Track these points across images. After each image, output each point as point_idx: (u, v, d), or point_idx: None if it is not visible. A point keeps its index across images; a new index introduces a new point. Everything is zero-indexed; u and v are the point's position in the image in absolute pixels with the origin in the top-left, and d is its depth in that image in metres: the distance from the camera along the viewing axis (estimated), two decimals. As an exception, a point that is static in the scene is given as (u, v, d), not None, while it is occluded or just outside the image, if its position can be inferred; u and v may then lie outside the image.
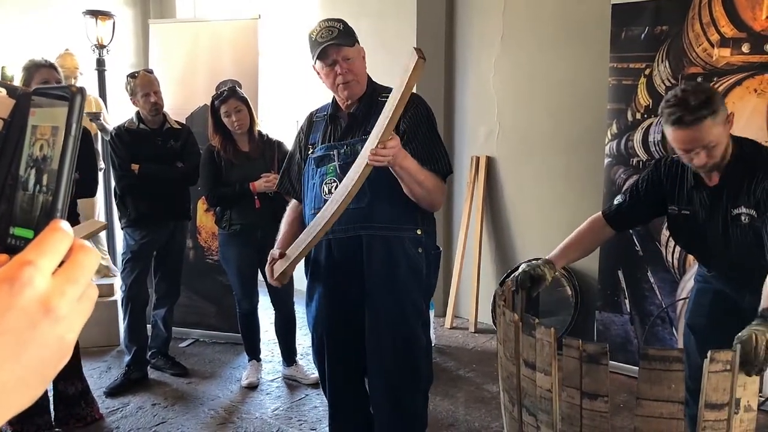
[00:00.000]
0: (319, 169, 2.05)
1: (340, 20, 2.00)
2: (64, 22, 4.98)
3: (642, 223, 2.76)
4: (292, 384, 3.41)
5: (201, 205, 4.01)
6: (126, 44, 5.63)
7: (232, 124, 3.14)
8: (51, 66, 2.70)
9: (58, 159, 0.45)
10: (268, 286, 3.37)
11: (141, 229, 3.32)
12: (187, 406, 3.14)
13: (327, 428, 2.49)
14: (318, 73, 2.03)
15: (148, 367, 3.49)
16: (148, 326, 3.56)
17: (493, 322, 3.97)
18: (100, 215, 4.50)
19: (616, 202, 2.16)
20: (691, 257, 3.18)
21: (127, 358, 3.41)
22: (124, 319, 3.43)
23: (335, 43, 1.92)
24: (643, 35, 3.29)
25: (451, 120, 4.41)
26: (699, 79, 3.14)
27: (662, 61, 3.24)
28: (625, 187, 3.17)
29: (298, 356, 3.56)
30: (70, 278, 0.42)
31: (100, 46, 4.75)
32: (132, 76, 3.30)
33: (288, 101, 5.20)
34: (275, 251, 2.09)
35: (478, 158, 4.30)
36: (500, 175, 4.24)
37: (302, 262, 2.15)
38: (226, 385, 3.40)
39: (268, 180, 3.08)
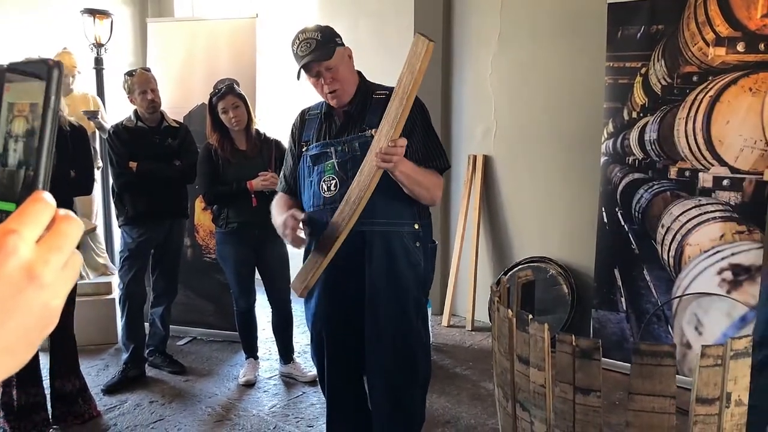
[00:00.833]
0: (316, 167, 2.05)
1: (317, 29, 1.98)
2: (62, 20, 4.99)
3: None
4: (289, 381, 3.42)
5: (199, 204, 4.02)
6: (124, 43, 5.63)
7: (229, 121, 3.14)
8: None
9: (38, 134, 0.45)
10: (266, 284, 3.41)
11: (138, 227, 3.32)
12: (185, 404, 3.15)
13: (324, 426, 2.50)
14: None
15: (146, 365, 3.50)
16: (146, 324, 3.57)
17: (490, 319, 3.98)
18: (98, 213, 4.51)
19: None
20: (687, 255, 3.20)
21: (124, 356, 3.42)
22: (121, 317, 3.44)
23: (312, 60, 1.93)
24: (639, 34, 3.31)
25: (449, 118, 4.42)
26: (694, 79, 3.16)
27: (658, 60, 3.26)
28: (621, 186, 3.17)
29: (296, 354, 3.58)
30: (53, 246, 0.43)
31: (98, 45, 4.76)
32: (129, 74, 3.31)
33: (286, 100, 5.21)
34: (297, 213, 1.98)
35: (475, 157, 4.31)
36: (497, 173, 4.25)
37: (300, 253, 2.16)
38: (223, 383, 3.41)
39: (266, 178, 3.09)
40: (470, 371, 3.55)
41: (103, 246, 4.46)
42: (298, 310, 3.86)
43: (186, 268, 3.91)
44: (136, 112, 3.34)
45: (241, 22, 4.18)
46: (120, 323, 3.48)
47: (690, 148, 3.18)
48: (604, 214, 3.51)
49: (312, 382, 3.34)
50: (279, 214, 2.08)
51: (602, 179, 3.51)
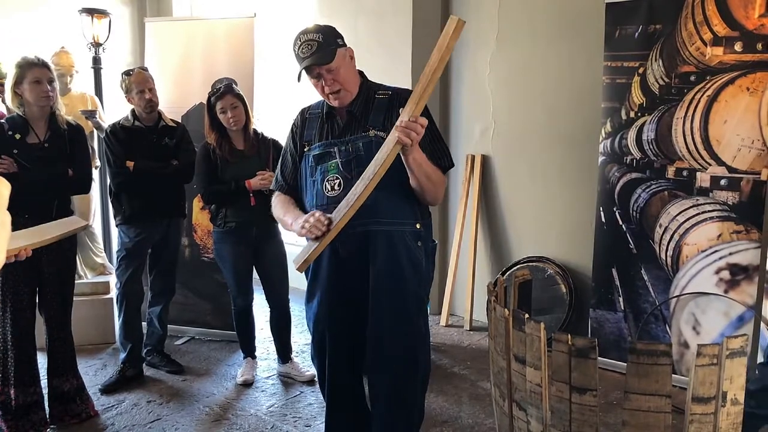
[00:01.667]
0: (319, 167, 2.05)
1: (318, 30, 1.97)
2: (60, 19, 4.99)
3: None
4: (288, 381, 3.42)
5: (197, 203, 4.02)
6: (122, 42, 5.63)
7: (227, 121, 3.14)
8: (44, 65, 2.70)
9: None
10: (263, 283, 3.40)
11: (135, 227, 3.32)
12: (183, 403, 3.15)
13: (322, 425, 2.50)
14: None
15: (144, 365, 3.50)
16: (144, 324, 3.57)
17: (487, 319, 3.98)
18: (96, 213, 4.50)
19: None
20: (684, 255, 3.20)
21: (122, 356, 3.41)
22: (119, 316, 3.43)
23: (313, 63, 1.93)
24: (636, 34, 3.31)
25: (447, 118, 4.43)
26: (692, 78, 3.17)
27: (656, 60, 3.26)
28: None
29: (294, 353, 3.58)
30: None
31: (96, 44, 4.76)
32: (127, 73, 3.31)
33: (284, 100, 5.21)
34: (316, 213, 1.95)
35: (473, 156, 4.31)
36: (495, 173, 4.26)
37: (298, 250, 2.16)
38: (221, 383, 3.41)
39: (264, 178, 3.09)
40: (468, 371, 3.55)
41: (101, 245, 4.45)
42: (297, 309, 3.87)
43: (184, 268, 3.91)
44: (133, 111, 3.34)
45: (240, 22, 4.18)
46: (117, 323, 3.48)
47: (688, 148, 3.19)
48: (602, 213, 3.51)
49: (310, 382, 3.34)
50: (288, 214, 2.10)
51: (600, 179, 3.51)
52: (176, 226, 3.50)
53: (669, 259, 3.28)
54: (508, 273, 3.92)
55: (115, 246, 3.80)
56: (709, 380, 1.41)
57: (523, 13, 3.99)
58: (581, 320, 3.73)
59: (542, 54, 3.93)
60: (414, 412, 2.16)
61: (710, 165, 3.13)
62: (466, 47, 4.30)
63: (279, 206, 2.19)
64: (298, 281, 2.48)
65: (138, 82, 3.25)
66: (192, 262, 4.10)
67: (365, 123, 2.02)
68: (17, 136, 2.69)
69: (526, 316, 1.61)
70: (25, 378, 2.73)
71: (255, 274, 3.41)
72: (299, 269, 1.99)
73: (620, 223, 3.45)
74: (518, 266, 4.00)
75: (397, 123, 1.82)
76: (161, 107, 3.46)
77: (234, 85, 3.21)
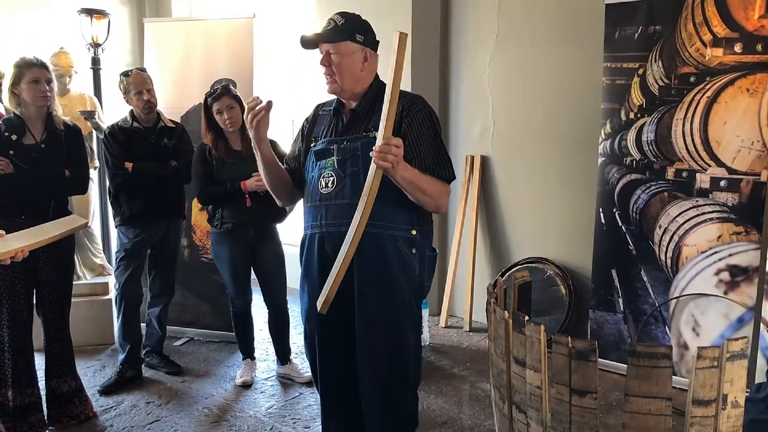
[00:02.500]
0: (318, 163, 2.06)
1: (345, 16, 2.00)
2: (59, 20, 4.98)
3: None
4: (287, 382, 3.42)
5: (196, 204, 4.01)
6: (121, 43, 5.63)
7: (224, 122, 3.14)
8: (42, 65, 2.69)
9: None
10: (261, 284, 3.40)
11: (134, 228, 3.32)
12: (182, 405, 3.14)
13: (320, 426, 2.49)
14: None
15: (143, 366, 3.49)
16: (143, 325, 3.56)
17: (487, 320, 3.98)
18: (95, 214, 4.49)
19: None
20: (684, 256, 3.20)
21: (121, 357, 3.41)
22: (118, 317, 3.42)
23: (316, 36, 1.97)
24: (636, 35, 3.31)
25: (446, 119, 4.42)
26: (692, 79, 3.16)
27: (655, 61, 3.26)
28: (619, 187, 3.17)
29: (293, 355, 3.57)
30: None
31: (95, 45, 4.75)
32: (125, 74, 3.30)
33: (283, 101, 5.20)
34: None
35: (472, 157, 4.31)
36: (495, 173, 4.25)
37: (296, 254, 2.17)
38: (220, 384, 3.40)
39: (260, 179, 3.07)
40: (468, 372, 3.54)
41: (100, 246, 4.45)
42: (295, 310, 3.86)
43: (183, 269, 3.90)
44: (132, 112, 3.34)
45: (239, 22, 4.17)
46: (116, 324, 3.47)
47: (687, 149, 3.18)
48: (601, 214, 3.51)
49: (309, 383, 3.33)
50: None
51: (600, 180, 3.51)
52: (175, 227, 3.50)
53: (669, 261, 3.28)
54: (507, 274, 3.91)
55: (114, 247, 3.80)
56: (710, 383, 1.40)
57: (523, 13, 3.99)
58: (581, 321, 3.72)
59: (542, 55, 3.92)
60: (405, 419, 2.13)
61: (710, 166, 3.13)
62: (465, 48, 4.30)
63: None
64: (296, 282, 2.47)
65: (136, 83, 3.25)
66: (191, 262, 4.09)
67: (367, 123, 2.02)
68: (14, 137, 2.68)
69: (526, 318, 1.61)
70: (22, 379, 2.72)
71: (253, 276, 3.40)
72: (321, 311, 1.93)
73: (620, 224, 3.45)
74: (518, 267, 3.99)
75: (374, 148, 1.81)
76: (160, 108, 3.46)
77: (231, 87, 3.21)
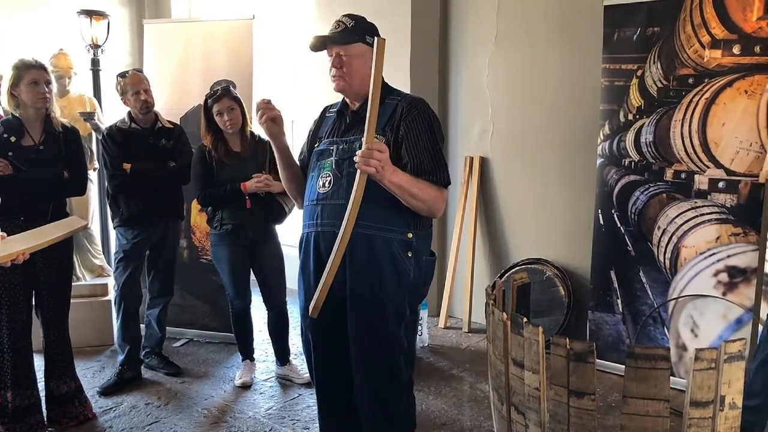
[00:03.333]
0: (318, 163, 2.08)
1: (354, 18, 2.02)
2: (58, 21, 4.98)
3: None
4: (286, 383, 3.42)
5: (195, 205, 4.01)
6: (120, 44, 5.63)
7: (224, 124, 3.14)
8: (41, 67, 2.70)
9: None
10: (261, 285, 3.40)
11: (133, 229, 3.32)
12: (181, 406, 3.14)
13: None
14: None
15: (142, 367, 3.49)
16: (142, 326, 3.56)
17: (486, 321, 3.98)
18: (95, 215, 4.50)
19: None
20: (682, 257, 3.21)
21: (120, 358, 3.41)
22: (117, 318, 3.43)
23: (325, 38, 1.98)
24: (635, 36, 3.31)
25: (445, 120, 4.43)
26: (690, 81, 3.17)
27: (654, 63, 3.26)
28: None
29: (292, 356, 3.57)
30: None
31: (95, 46, 4.75)
32: (122, 75, 3.31)
33: (282, 102, 5.20)
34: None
35: (471, 158, 4.32)
36: (494, 174, 4.26)
37: (296, 255, 2.17)
38: (219, 385, 3.40)
39: (260, 180, 3.09)
40: (467, 373, 3.55)
41: (100, 247, 4.45)
42: (295, 311, 3.86)
43: (182, 270, 3.91)
44: (129, 113, 3.34)
45: (238, 24, 4.18)
46: (116, 325, 3.47)
47: (686, 150, 3.19)
48: (600, 215, 3.51)
49: (308, 384, 3.33)
50: None
51: (598, 181, 3.52)
52: (174, 227, 3.50)
53: (667, 262, 3.28)
54: (506, 275, 3.92)
55: (113, 248, 3.80)
56: (708, 384, 1.40)
57: (522, 14, 4.00)
58: (580, 322, 3.73)
59: (541, 56, 3.93)
60: (400, 420, 2.12)
61: (708, 167, 3.14)
62: (464, 49, 4.30)
63: None
64: (295, 282, 2.47)
65: (133, 84, 3.25)
66: (190, 263, 4.10)
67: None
68: (12, 139, 2.69)
69: (524, 319, 1.61)
70: (21, 381, 2.72)
71: (253, 277, 3.40)
72: (312, 315, 1.94)
73: (618, 225, 3.45)
74: (517, 268, 4.00)
75: (357, 152, 1.82)
76: (160, 109, 3.46)
77: (231, 88, 3.21)
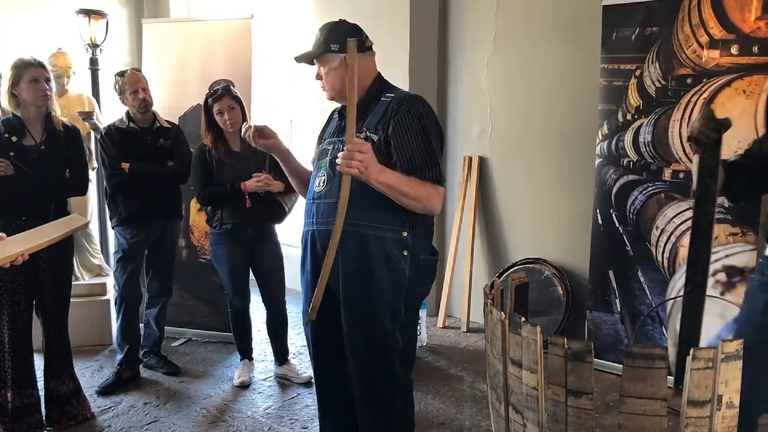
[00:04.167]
0: (317, 163, 2.10)
1: (322, 29, 2.06)
2: (57, 20, 4.98)
3: None
4: (284, 383, 3.42)
5: (194, 205, 4.02)
6: (119, 44, 5.63)
7: (224, 123, 3.15)
8: (40, 65, 2.70)
9: None
10: (260, 285, 3.40)
11: (131, 228, 3.32)
12: (179, 405, 3.15)
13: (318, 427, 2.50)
14: None
15: (141, 366, 3.49)
16: (141, 325, 3.56)
17: (484, 320, 3.99)
18: (93, 214, 4.50)
19: None
20: (681, 257, 3.21)
21: (119, 357, 3.41)
22: (117, 318, 3.43)
23: (297, 57, 2.09)
24: (633, 36, 3.32)
25: (444, 120, 4.43)
26: (688, 81, 3.17)
27: (652, 63, 3.27)
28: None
29: (291, 355, 3.57)
30: None
31: (94, 46, 4.75)
32: (120, 74, 3.31)
33: (281, 101, 5.21)
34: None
35: (470, 158, 4.32)
36: (492, 174, 4.26)
37: (296, 254, 2.18)
38: (218, 384, 3.41)
39: (260, 180, 3.09)
40: (465, 372, 3.55)
41: (98, 247, 4.45)
42: (293, 311, 3.87)
43: (181, 269, 3.91)
44: (128, 113, 3.34)
45: (237, 23, 4.18)
46: (115, 324, 3.47)
47: (684, 150, 3.19)
48: (598, 215, 3.52)
49: (307, 384, 3.34)
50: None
51: (597, 181, 3.52)
52: (173, 227, 3.50)
53: (665, 261, 3.29)
54: (504, 275, 3.92)
55: (111, 247, 3.80)
56: (705, 384, 1.41)
57: (521, 14, 4.00)
58: (578, 322, 3.73)
59: (539, 56, 3.93)
60: (397, 420, 2.11)
61: (707, 167, 3.13)
62: (463, 49, 4.31)
63: None
64: (294, 282, 2.48)
65: (131, 83, 3.25)
66: (189, 263, 4.10)
67: (362, 124, 2.02)
68: (13, 139, 2.69)
69: (522, 319, 1.61)
70: (21, 380, 2.73)
71: (252, 276, 3.40)
72: (311, 317, 1.94)
73: (617, 225, 3.46)
74: (515, 268, 4.00)
75: (339, 154, 1.82)
76: (159, 108, 3.46)
77: (231, 87, 3.21)
